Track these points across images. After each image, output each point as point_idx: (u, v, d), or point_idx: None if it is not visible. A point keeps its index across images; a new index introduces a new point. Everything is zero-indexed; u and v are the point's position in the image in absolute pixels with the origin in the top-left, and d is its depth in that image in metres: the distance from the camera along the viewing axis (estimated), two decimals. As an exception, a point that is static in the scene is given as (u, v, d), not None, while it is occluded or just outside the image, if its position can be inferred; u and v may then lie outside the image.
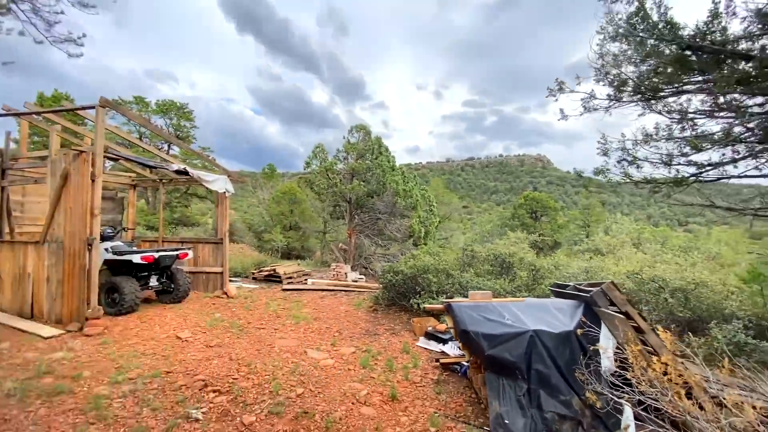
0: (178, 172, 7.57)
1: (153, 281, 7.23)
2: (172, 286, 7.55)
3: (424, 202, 14.73)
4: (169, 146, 22.39)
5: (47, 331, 5.33)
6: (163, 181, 9.63)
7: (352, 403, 3.79)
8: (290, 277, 10.99)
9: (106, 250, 6.70)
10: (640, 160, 4.14)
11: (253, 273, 11.33)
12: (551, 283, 5.72)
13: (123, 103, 21.57)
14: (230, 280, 10.36)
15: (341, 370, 4.63)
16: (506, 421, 3.19)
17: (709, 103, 4.13)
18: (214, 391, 3.84)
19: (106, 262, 6.71)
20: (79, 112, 6.94)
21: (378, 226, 13.17)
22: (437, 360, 4.83)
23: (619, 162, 4.26)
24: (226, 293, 8.55)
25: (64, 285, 5.70)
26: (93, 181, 5.71)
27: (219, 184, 8.40)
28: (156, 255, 6.84)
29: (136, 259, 6.51)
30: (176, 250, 7.48)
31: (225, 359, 4.73)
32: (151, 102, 22.11)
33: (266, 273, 11.08)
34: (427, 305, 5.09)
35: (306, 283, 10.77)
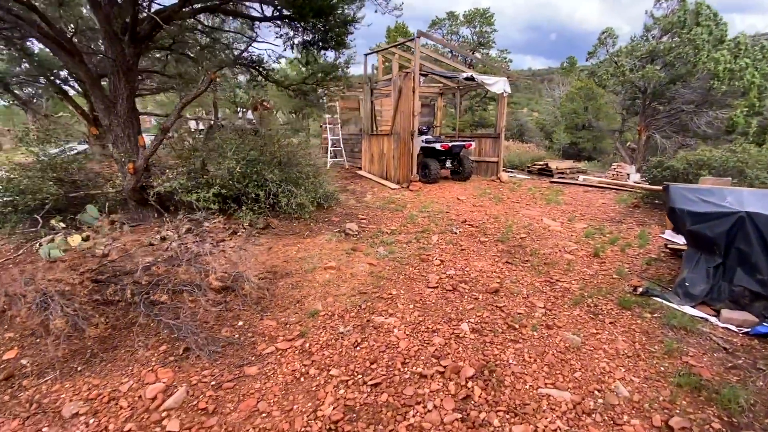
0: (466, 78, 9.67)
1: (448, 163, 10.21)
2: (461, 168, 10.31)
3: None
4: (473, 53, 25.11)
5: (393, 185, 9.29)
6: (459, 87, 12.15)
7: (558, 250, 5.04)
8: (562, 172, 11.64)
9: (422, 141, 10.05)
10: None
11: (528, 166, 12.72)
12: None
13: (439, 21, 25.55)
14: (506, 170, 12.33)
15: (564, 234, 5.76)
16: (687, 284, 3.59)
17: None
18: (469, 225, 6.10)
19: (422, 149, 10.14)
20: (407, 43, 10.06)
21: (681, 119, 10.73)
22: (667, 245, 4.99)
23: None
24: (498, 178, 10.61)
25: (400, 160, 9.42)
26: (414, 92, 8.72)
27: (498, 86, 9.92)
28: (450, 144, 9.60)
29: (437, 147, 9.49)
30: (463, 141, 10.01)
31: (482, 213, 6.88)
32: (460, 14, 25.03)
33: (539, 167, 12.20)
34: (644, 185, 5.08)
35: (576, 179, 11.14)
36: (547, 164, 11.99)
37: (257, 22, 4.99)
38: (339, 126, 12.42)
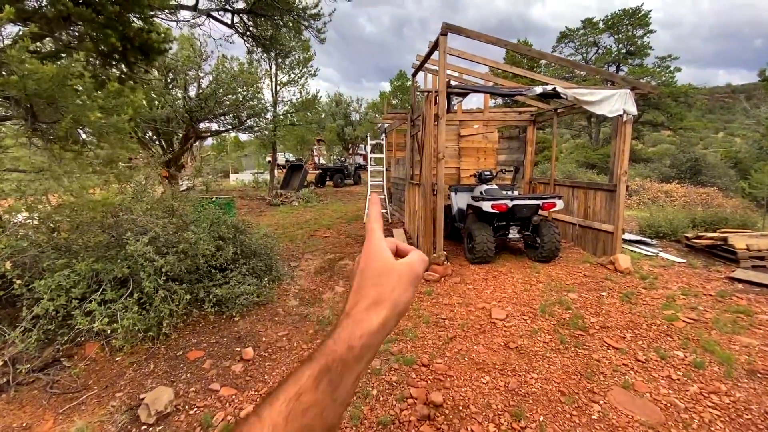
0: (544, 95, 5.76)
1: (513, 233, 6.27)
2: (537, 240, 6.23)
3: None
4: (618, 66, 19.22)
5: (408, 265, 5.94)
6: (558, 110, 7.98)
7: None
8: (760, 257, 6.14)
9: (478, 194, 6.47)
10: None
11: (687, 237, 7.36)
12: None
13: (571, 32, 20.53)
14: (639, 243, 7.38)
15: None
16: None
17: None
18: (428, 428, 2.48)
19: (470, 207, 6.54)
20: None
21: None
22: None
23: None
24: (612, 262, 6.04)
25: (425, 225, 6.06)
26: (436, 122, 5.40)
27: (609, 104, 5.67)
28: (509, 203, 5.77)
29: (486, 207, 5.78)
30: (539, 198, 5.99)
31: (500, 384, 3.06)
32: (599, 21, 19.43)
33: (708, 241, 6.83)
34: None
35: (798, 276, 5.56)
36: (726, 239, 6.58)
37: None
38: (383, 167, 9.67)
